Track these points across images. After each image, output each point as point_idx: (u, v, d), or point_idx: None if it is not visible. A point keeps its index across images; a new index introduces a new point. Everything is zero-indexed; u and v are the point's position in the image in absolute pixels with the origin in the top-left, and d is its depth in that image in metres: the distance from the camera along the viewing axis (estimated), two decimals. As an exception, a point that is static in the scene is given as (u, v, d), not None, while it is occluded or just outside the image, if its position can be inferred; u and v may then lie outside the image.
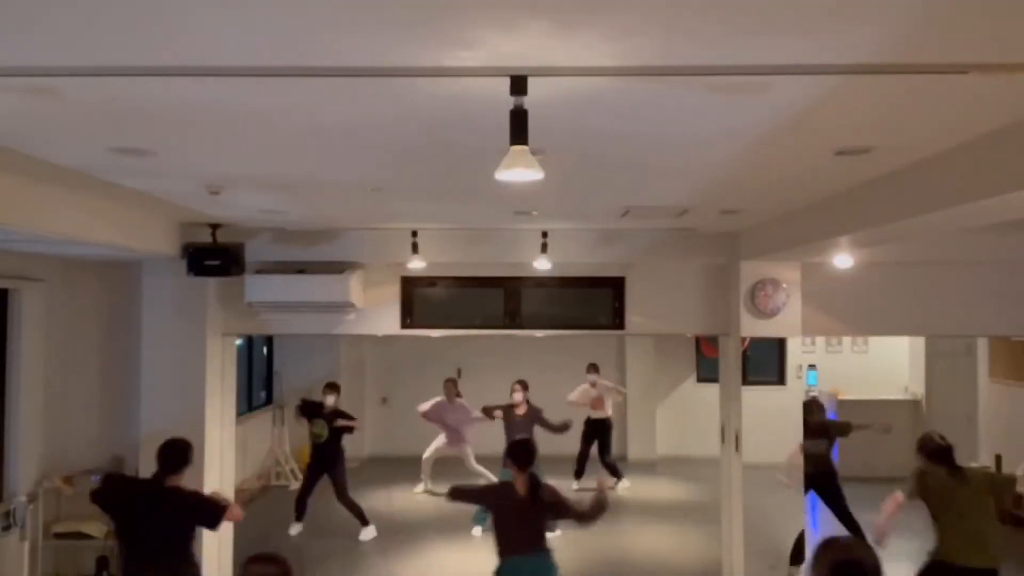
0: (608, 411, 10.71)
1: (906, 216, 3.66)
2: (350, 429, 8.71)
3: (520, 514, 4.68)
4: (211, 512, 4.45)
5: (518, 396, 8.55)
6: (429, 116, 2.84)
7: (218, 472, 6.56)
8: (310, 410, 8.70)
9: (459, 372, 13.04)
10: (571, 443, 10.69)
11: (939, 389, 11.51)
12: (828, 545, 2.56)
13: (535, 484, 4.70)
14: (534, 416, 8.50)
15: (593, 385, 10.63)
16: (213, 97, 2.64)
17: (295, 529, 8.59)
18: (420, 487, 10.43)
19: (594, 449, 10.72)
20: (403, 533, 8.81)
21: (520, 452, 4.88)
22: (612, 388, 10.89)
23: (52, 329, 6.80)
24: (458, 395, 10.06)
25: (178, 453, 4.51)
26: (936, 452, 4.89)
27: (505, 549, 4.69)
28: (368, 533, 8.48)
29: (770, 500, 7.54)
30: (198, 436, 6.37)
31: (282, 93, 2.59)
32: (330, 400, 8.67)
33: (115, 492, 4.55)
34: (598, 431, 10.67)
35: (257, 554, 3.24)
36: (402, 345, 12.74)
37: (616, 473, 10.63)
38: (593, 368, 10.69)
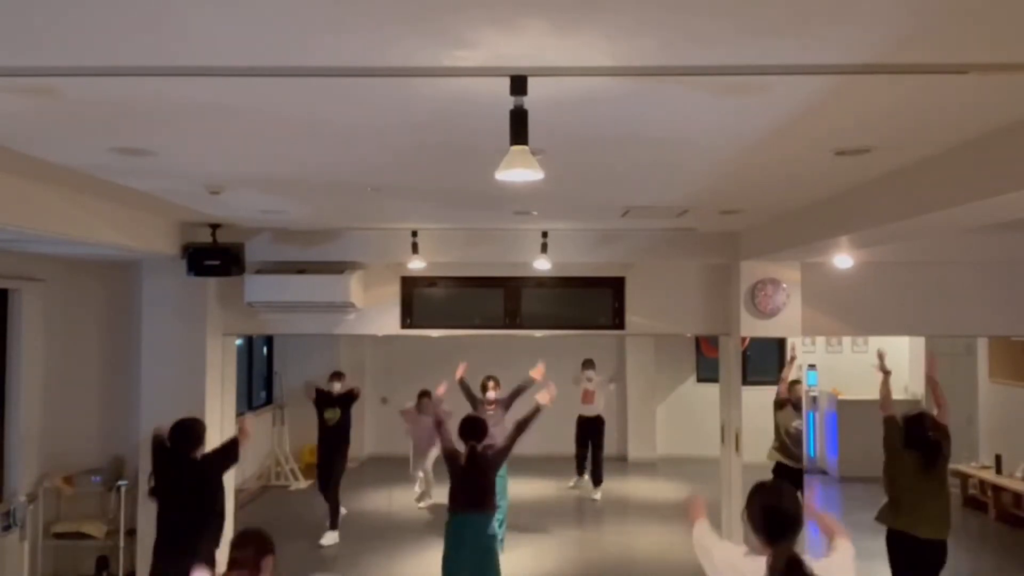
0: (599, 408, 10.60)
1: (906, 216, 3.66)
2: (356, 395, 8.90)
3: (463, 477, 5.43)
4: (230, 454, 5.07)
5: (491, 394, 8.26)
6: (429, 116, 2.84)
7: (218, 472, 6.56)
8: (322, 401, 8.80)
9: (458, 372, 13.04)
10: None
11: (939, 389, 11.49)
12: (758, 489, 3.07)
13: (473, 452, 5.38)
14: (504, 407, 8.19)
15: (590, 380, 10.56)
16: (213, 97, 2.64)
17: (329, 538, 8.53)
18: (424, 502, 9.94)
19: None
20: (403, 533, 8.81)
21: (466, 427, 5.46)
22: (604, 383, 10.73)
23: (52, 329, 6.80)
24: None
25: (192, 432, 5.07)
26: (916, 440, 5.13)
27: (453, 506, 5.52)
28: (331, 538, 8.40)
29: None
30: (198, 436, 6.39)
31: (282, 93, 2.59)
32: (336, 386, 8.80)
33: (157, 458, 5.08)
34: (590, 430, 10.58)
35: (238, 535, 3.59)
36: (402, 345, 12.74)
37: (598, 480, 10.44)
38: (589, 364, 10.61)
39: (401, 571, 7.65)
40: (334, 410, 8.71)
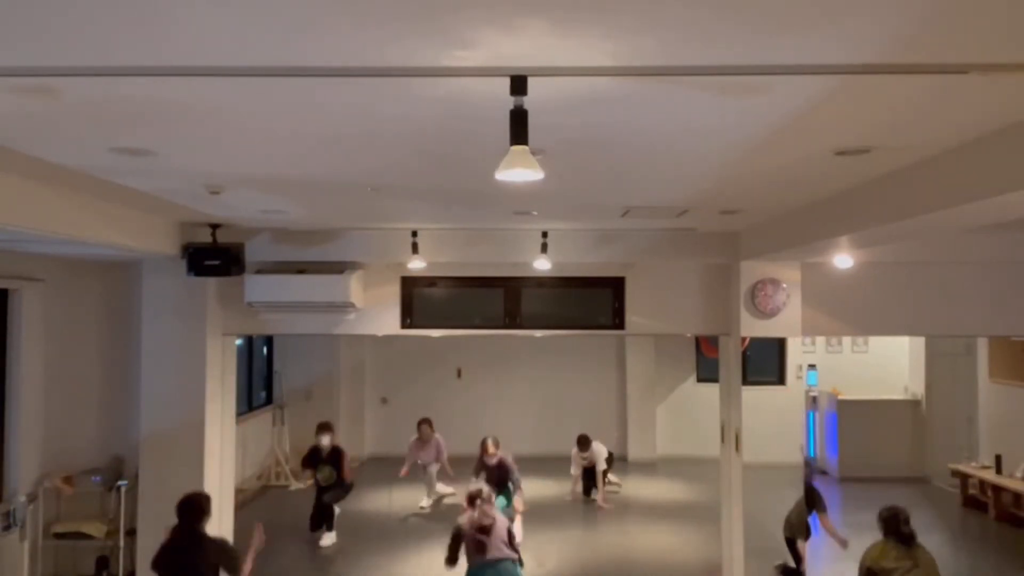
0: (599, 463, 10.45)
1: (906, 216, 3.66)
2: (344, 456, 8.73)
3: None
4: (232, 566, 4.71)
5: (492, 458, 8.49)
6: (429, 116, 2.84)
7: (218, 472, 6.56)
8: (312, 461, 8.70)
9: (459, 372, 13.07)
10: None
11: (939, 389, 11.52)
12: None
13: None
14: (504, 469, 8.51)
15: (585, 458, 10.36)
16: (213, 97, 2.64)
17: (327, 539, 8.52)
18: (426, 502, 10.04)
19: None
20: (403, 533, 8.82)
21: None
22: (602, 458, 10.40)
23: (52, 329, 6.80)
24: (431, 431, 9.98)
25: (197, 507, 4.81)
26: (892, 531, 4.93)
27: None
28: (330, 539, 8.46)
29: (770, 500, 7.54)
30: (198, 436, 6.40)
31: (282, 93, 2.59)
32: (325, 441, 8.64)
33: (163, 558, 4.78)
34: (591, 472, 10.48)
35: None
36: (402, 345, 12.75)
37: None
38: (584, 442, 10.36)
39: (401, 571, 7.65)
40: (325, 468, 8.57)
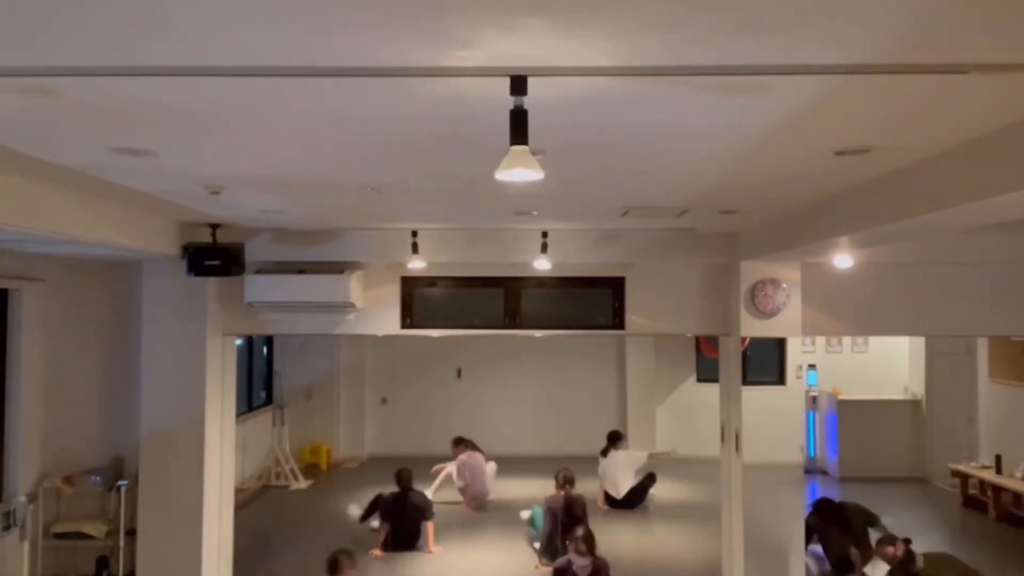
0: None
1: (906, 216, 3.66)
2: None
3: None
4: None
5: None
6: (429, 116, 2.84)
7: (218, 472, 6.56)
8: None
9: (459, 372, 13.07)
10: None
11: (939, 389, 11.52)
12: None
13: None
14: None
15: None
16: (212, 97, 2.64)
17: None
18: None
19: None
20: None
21: None
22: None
23: (52, 329, 6.81)
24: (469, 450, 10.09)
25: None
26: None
27: None
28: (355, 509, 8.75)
29: (770, 500, 7.53)
30: (198, 436, 6.40)
31: (281, 93, 2.59)
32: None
33: None
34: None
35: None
36: (402, 345, 12.75)
37: None
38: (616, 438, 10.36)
39: (401, 571, 7.65)
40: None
